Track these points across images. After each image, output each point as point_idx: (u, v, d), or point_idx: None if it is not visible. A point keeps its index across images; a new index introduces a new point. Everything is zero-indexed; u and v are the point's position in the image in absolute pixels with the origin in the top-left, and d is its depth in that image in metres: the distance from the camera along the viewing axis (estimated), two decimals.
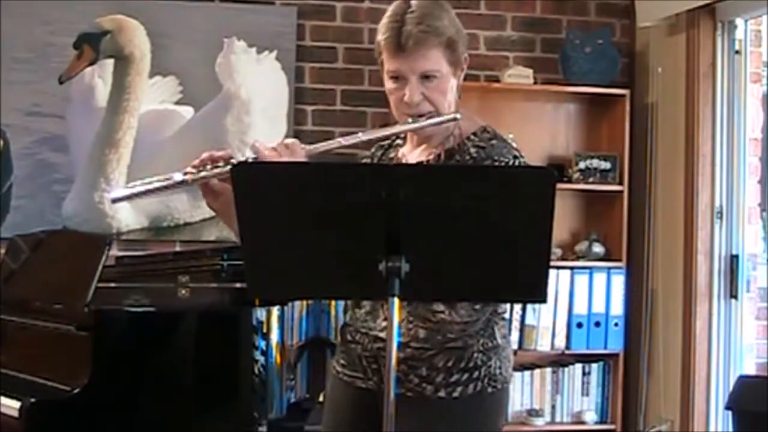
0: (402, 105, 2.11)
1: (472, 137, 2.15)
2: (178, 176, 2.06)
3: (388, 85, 2.13)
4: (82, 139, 4.17)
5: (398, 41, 2.05)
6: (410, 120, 2.11)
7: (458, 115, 2.11)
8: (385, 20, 2.10)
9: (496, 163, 2.08)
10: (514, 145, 2.16)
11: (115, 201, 2.16)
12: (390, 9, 2.11)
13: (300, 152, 2.07)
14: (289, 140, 2.10)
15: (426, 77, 2.08)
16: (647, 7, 4.28)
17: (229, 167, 2.03)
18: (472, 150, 2.13)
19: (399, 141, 2.29)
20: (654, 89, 4.33)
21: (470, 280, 1.79)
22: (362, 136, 2.14)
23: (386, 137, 2.26)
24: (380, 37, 2.10)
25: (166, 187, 2.07)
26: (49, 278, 3.10)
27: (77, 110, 4.19)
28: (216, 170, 2.05)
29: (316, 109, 4.39)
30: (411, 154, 2.23)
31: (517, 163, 2.09)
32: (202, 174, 2.05)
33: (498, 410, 2.17)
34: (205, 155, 2.07)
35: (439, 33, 2.07)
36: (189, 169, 2.06)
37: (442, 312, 2.07)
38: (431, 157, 2.17)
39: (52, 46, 4.15)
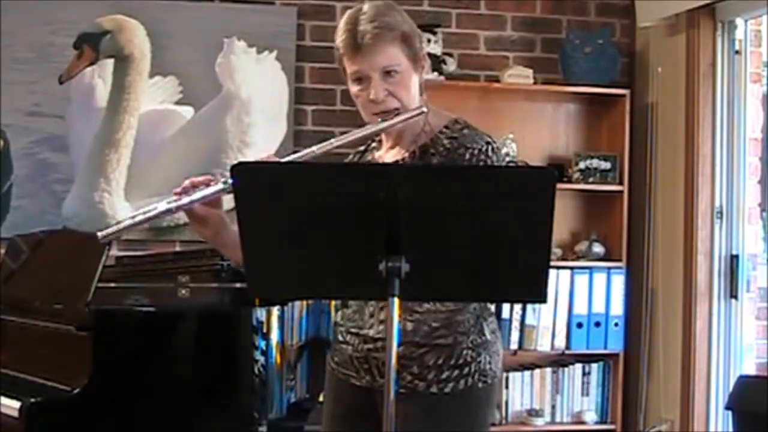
0: (369, 105, 2.15)
1: (444, 130, 2.19)
2: (162, 205, 2.07)
3: (353, 89, 2.17)
4: (82, 139, 4.17)
5: (354, 41, 2.11)
6: (380, 120, 2.14)
7: (425, 109, 2.14)
8: (340, 26, 2.16)
9: (470, 151, 2.11)
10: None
11: (104, 239, 2.16)
12: (344, 16, 2.17)
13: None
14: (264, 154, 2.14)
15: (387, 73, 2.12)
16: (647, 7, 4.28)
17: (212, 190, 2.06)
18: (446, 142, 2.16)
19: (374, 144, 2.32)
20: (654, 89, 4.33)
21: (470, 280, 1.79)
22: (335, 142, 2.14)
23: (359, 139, 2.25)
24: (338, 41, 2.15)
25: (152, 218, 2.09)
26: (49, 278, 3.10)
27: (77, 110, 4.19)
28: (199, 194, 2.06)
29: (316, 109, 4.39)
30: (387, 155, 2.25)
31: (490, 149, 2.12)
32: (185, 200, 2.06)
33: (488, 404, 2.21)
34: (186, 182, 2.09)
35: (392, 28, 2.12)
36: (172, 198, 2.08)
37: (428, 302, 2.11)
38: (406, 155, 2.19)
39: (52, 46, 4.15)
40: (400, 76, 2.13)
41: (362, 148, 2.35)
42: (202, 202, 2.07)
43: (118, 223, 2.13)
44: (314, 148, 2.14)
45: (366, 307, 2.21)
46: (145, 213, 2.08)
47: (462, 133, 2.17)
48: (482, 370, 2.16)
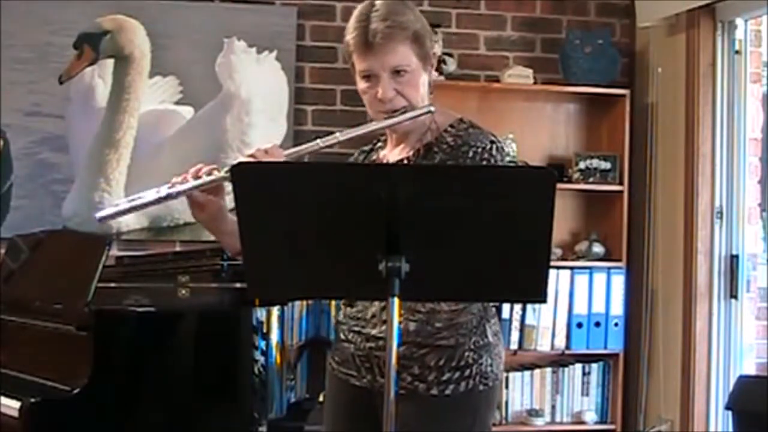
0: (376, 103, 2.13)
1: (449, 129, 2.18)
2: (163, 190, 2.09)
3: (361, 85, 2.16)
4: (82, 139, 4.17)
5: (366, 39, 2.09)
6: (385, 117, 2.13)
7: (432, 108, 2.13)
8: (351, 21, 2.14)
9: (474, 149, 2.10)
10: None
11: (101, 220, 2.17)
12: (355, 11, 2.15)
13: (279, 155, 2.10)
14: (268, 145, 2.13)
15: (397, 72, 2.11)
16: (647, 7, 4.28)
17: (210, 178, 2.10)
18: (449, 139, 2.15)
19: (380, 144, 2.31)
20: (654, 89, 4.33)
21: (470, 280, 1.79)
22: (340, 137, 2.14)
23: (364, 135, 2.25)
24: (348, 37, 2.13)
25: (151, 202, 2.10)
26: (49, 278, 3.09)
27: (77, 110, 4.19)
28: (198, 181, 2.08)
29: (316, 109, 4.39)
30: (391, 153, 2.24)
31: (494, 148, 2.11)
32: (186, 186, 2.08)
33: (489, 407, 2.20)
34: (191, 170, 2.11)
35: (404, 27, 2.10)
36: (174, 180, 2.10)
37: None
38: (410, 153, 2.18)
39: (52, 46, 4.15)
40: (409, 75, 2.12)
41: (367, 147, 2.33)
42: (202, 189, 2.09)
43: (118, 204, 2.14)
44: (318, 141, 2.14)
45: (369, 307, 2.19)
46: (144, 198, 2.10)
47: (467, 131, 2.16)
48: (483, 373, 2.14)
